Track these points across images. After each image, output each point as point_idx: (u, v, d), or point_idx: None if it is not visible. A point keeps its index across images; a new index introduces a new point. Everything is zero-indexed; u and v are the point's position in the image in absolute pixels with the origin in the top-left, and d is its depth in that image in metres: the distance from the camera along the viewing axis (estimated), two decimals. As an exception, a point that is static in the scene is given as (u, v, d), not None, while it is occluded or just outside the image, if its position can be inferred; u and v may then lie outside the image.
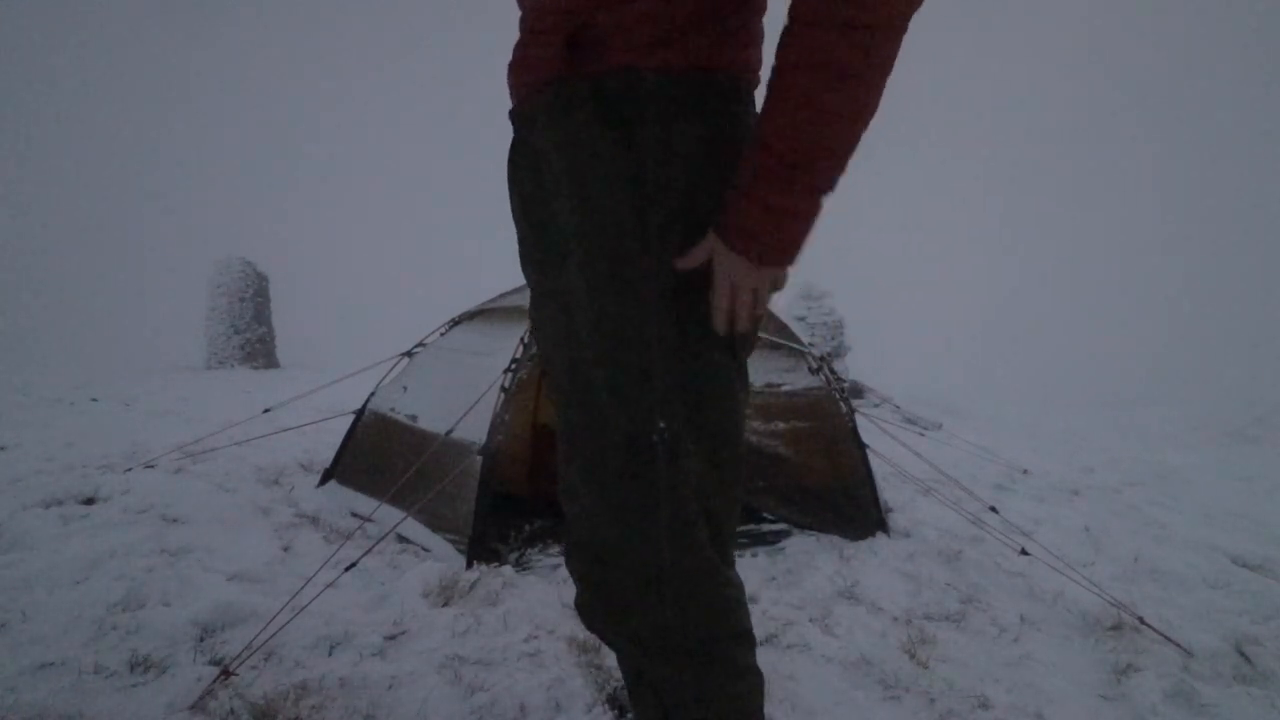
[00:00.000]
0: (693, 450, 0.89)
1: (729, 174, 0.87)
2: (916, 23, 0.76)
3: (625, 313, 0.87)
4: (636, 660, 0.98)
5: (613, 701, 1.44)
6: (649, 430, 0.87)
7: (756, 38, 0.94)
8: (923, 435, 4.16)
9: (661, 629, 0.91)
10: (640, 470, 0.88)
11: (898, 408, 7.00)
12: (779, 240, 0.80)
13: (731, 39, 0.89)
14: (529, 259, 1.02)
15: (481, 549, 2.18)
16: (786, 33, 0.77)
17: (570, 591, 1.99)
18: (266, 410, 3.41)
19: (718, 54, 0.88)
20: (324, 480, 2.88)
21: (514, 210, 1.03)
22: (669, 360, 0.87)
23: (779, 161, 0.77)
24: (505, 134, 1.19)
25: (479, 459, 2.26)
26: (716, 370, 0.90)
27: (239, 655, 1.46)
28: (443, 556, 2.18)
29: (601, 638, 1.03)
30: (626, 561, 0.91)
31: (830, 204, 0.80)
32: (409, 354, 3.02)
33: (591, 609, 0.99)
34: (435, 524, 2.29)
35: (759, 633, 1.80)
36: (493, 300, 2.91)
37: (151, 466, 2.97)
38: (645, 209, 0.86)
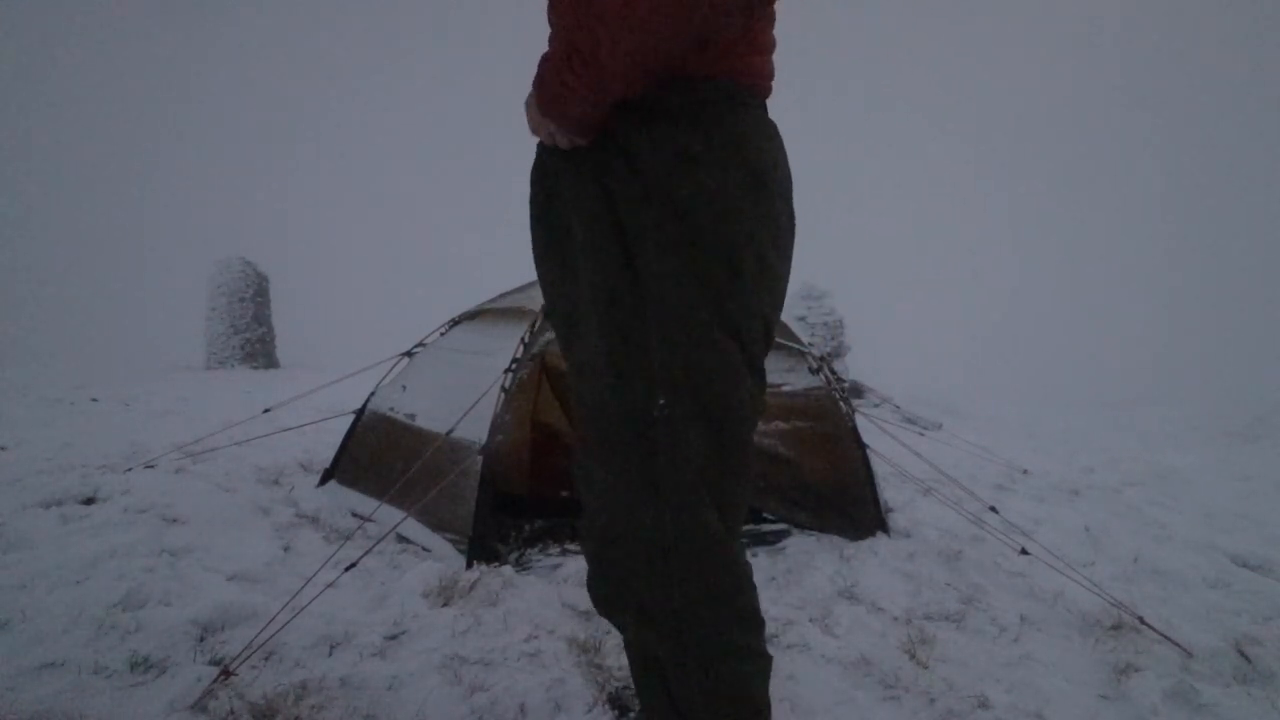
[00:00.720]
0: (696, 430, 0.91)
1: (721, 173, 0.90)
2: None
3: (625, 295, 0.91)
4: (642, 640, 0.99)
5: (613, 701, 1.44)
6: (649, 407, 0.90)
7: (762, 46, 0.96)
8: (923, 435, 4.16)
9: (666, 605, 0.92)
10: (641, 446, 0.91)
11: (898, 408, 7.00)
12: (550, 103, 0.92)
13: (733, 46, 0.92)
14: (541, 252, 1.07)
15: (481, 549, 2.18)
16: None
17: (570, 591, 2.00)
18: (266, 410, 3.41)
19: (719, 61, 0.92)
20: (324, 480, 2.88)
21: (531, 206, 1.08)
22: (668, 341, 0.90)
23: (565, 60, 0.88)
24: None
25: (479, 459, 2.26)
26: (720, 356, 0.92)
27: (239, 655, 1.46)
28: (443, 556, 2.18)
29: (609, 618, 1.05)
30: (631, 536, 0.93)
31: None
32: (409, 354, 3.01)
33: (599, 586, 1.02)
34: (435, 524, 2.29)
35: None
36: (493, 300, 2.91)
37: (151, 466, 2.97)
38: (642, 203, 0.90)
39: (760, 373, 0.99)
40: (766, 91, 0.99)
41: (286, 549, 2.22)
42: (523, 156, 1.19)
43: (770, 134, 0.98)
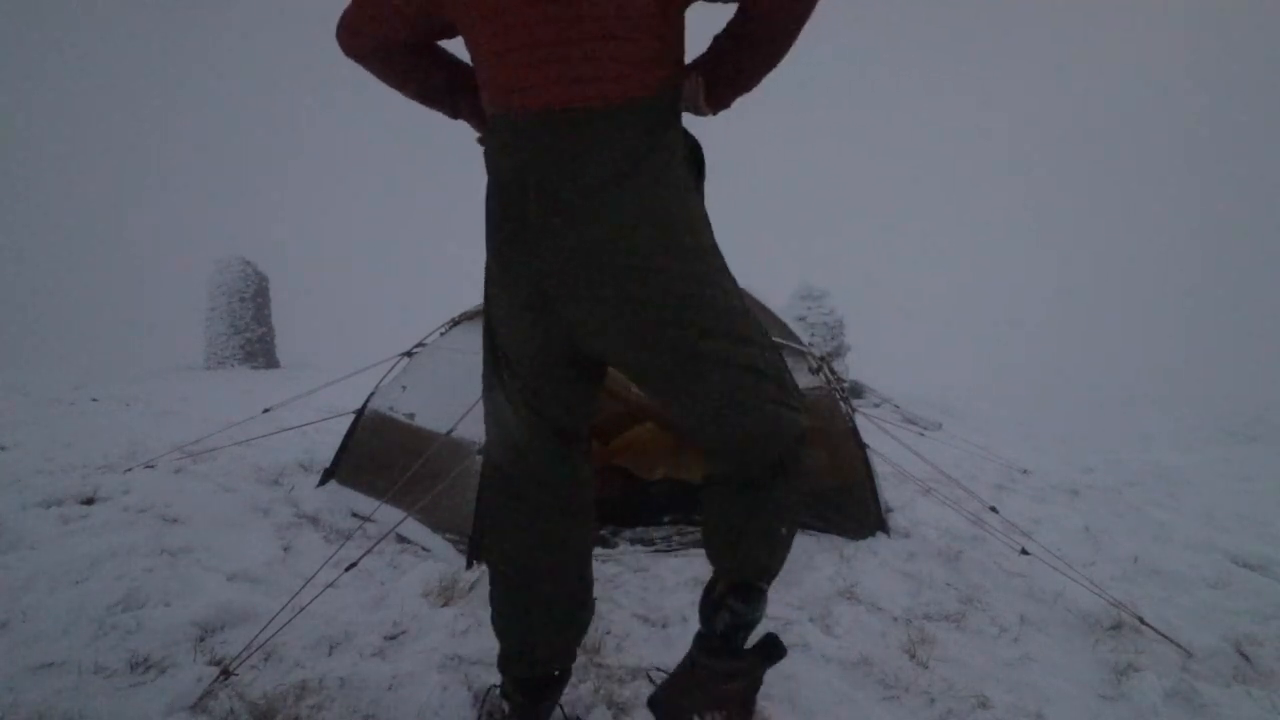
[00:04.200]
0: None
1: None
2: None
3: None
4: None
5: (611, 701, 1.44)
6: None
7: (485, 84, 1.18)
8: (923, 435, 4.15)
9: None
10: None
11: (898, 408, 7.00)
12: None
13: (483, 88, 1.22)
14: None
15: (482, 549, 2.18)
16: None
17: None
18: (266, 410, 3.40)
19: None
20: (324, 480, 2.88)
21: None
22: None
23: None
24: None
25: (479, 459, 2.25)
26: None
27: (239, 655, 1.46)
28: (443, 556, 2.18)
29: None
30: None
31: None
32: (409, 354, 3.01)
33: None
34: (435, 524, 2.29)
35: (758, 632, 1.80)
36: (493, 300, 2.91)
37: (151, 466, 2.97)
38: None
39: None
40: (503, 112, 1.14)
41: (286, 549, 2.22)
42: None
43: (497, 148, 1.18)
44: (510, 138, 1.13)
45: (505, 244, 1.17)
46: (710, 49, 1.20)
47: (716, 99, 1.20)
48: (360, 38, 1.22)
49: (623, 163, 1.07)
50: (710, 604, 1.24)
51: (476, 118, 1.28)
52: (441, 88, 1.28)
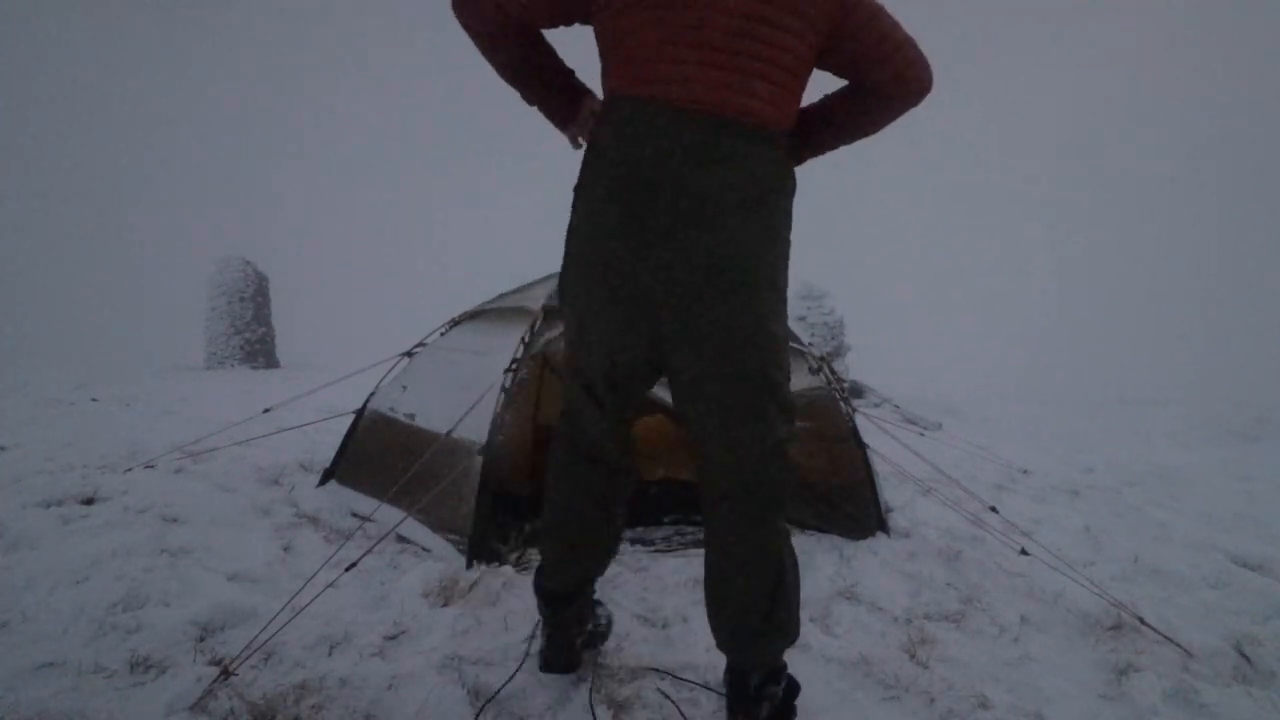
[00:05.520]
0: None
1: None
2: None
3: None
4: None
5: (611, 701, 1.44)
6: None
7: (624, 57, 1.17)
8: (923, 435, 4.15)
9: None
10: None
11: (897, 408, 7.01)
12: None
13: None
14: None
15: (481, 549, 2.18)
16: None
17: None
18: (266, 410, 3.40)
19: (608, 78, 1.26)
20: (324, 480, 2.88)
21: None
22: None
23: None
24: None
25: (479, 459, 2.25)
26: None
27: (239, 655, 1.46)
28: (443, 556, 2.18)
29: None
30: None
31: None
32: (409, 354, 3.01)
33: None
34: (435, 524, 2.29)
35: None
36: (493, 300, 2.91)
37: (151, 466, 2.97)
38: None
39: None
40: (646, 99, 1.12)
41: (286, 549, 2.22)
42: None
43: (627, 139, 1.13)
44: (651, 127, 1.10)
45: (618, 241, 1.14)
46: (805, 113, 1.26)
47: (799, 157, 1.29)
48: (500, 9, 1.17)
49: (758, 187, 1.10)
50: (748, 698, 1.26)
51: (556, 109, 1.31)
52: (539, 72, 1.29)
